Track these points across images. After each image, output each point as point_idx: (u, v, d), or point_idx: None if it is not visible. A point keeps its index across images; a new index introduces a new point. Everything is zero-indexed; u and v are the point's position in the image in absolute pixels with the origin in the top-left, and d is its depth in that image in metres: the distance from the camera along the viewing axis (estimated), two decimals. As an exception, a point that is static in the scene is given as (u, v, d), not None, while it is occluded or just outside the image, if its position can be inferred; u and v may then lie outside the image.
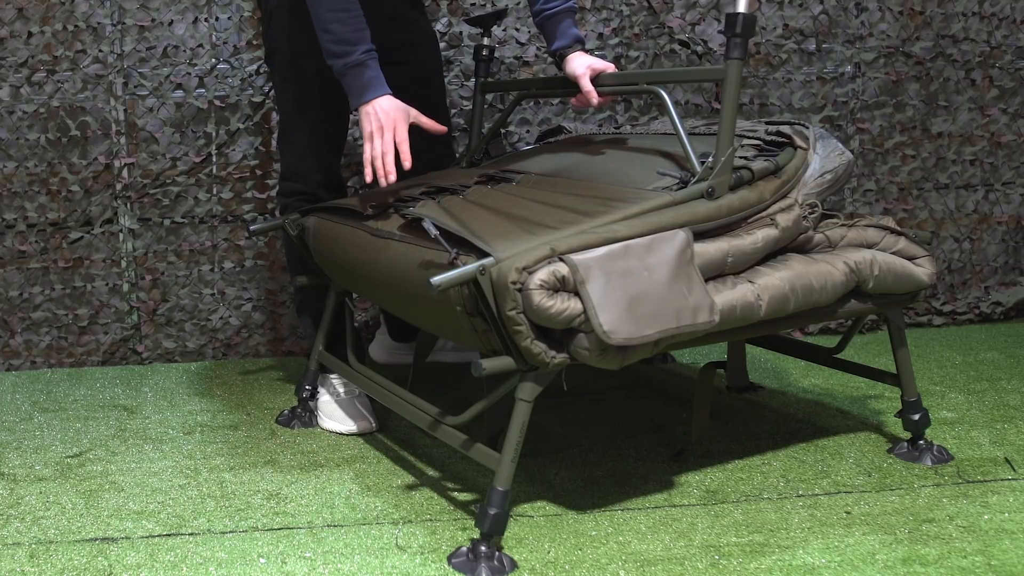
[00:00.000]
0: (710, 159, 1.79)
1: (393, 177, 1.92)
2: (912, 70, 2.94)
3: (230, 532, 1.77)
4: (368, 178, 1.95)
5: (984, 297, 3.09)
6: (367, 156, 1.95)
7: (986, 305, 3.09)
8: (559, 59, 2.13)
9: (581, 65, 2.06)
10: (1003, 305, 3.09)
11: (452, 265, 1.60)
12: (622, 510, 1.84)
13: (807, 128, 1.96)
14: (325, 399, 2.31)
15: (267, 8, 2.22)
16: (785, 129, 1.95)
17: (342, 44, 1.95)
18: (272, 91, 2.71)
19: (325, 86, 2.18)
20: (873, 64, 2.91)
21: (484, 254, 1.60)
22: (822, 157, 1.90)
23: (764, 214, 1.81)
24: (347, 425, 2.25)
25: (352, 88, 1.97)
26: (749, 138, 1.97)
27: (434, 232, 1.65)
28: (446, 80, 2.78)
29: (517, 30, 2.80)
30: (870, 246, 1.93)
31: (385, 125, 1.94)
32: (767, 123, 2.08)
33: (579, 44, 2.11)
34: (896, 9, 2.90)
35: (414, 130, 2.13)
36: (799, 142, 1.91)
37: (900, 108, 2.95)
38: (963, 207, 3.05)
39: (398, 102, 1.97)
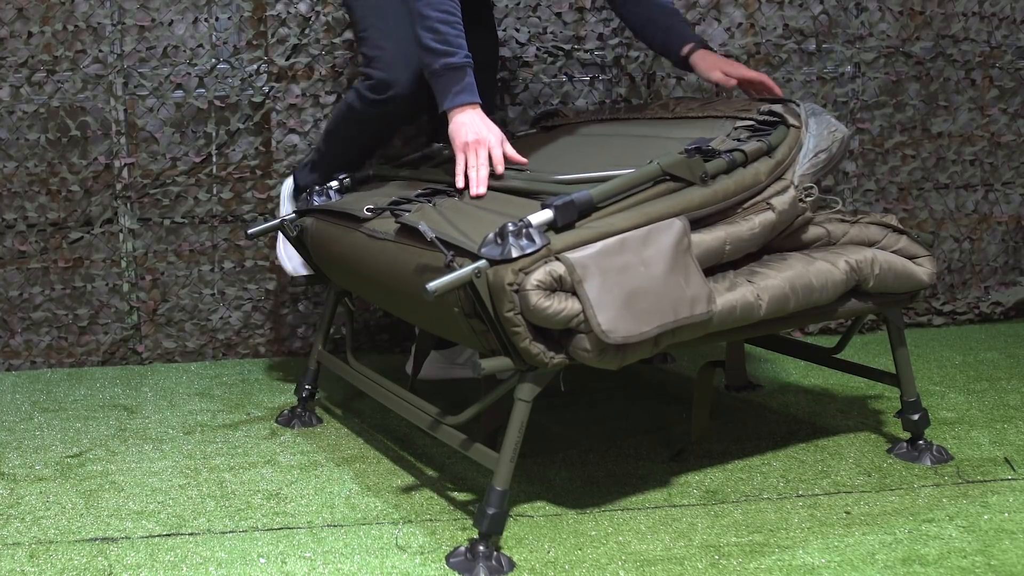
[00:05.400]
0: (712, 142, 1.81)
1: (484, 191, 1.87)
2: (912, 70, 2.94)
3: (230, 532, 1.78)
4: (460, 185, 1.91)
5: (984, 297, 3.09)
6: (460, 167, 1.92)
7: (986, 305, 3.09)
8: (683, 60, 2.30)
9: (712, 66, 2.24)
10: (1003, 305, 3.09)
11: (448, 268, 1.60)
12: (622, 510, 1.83)
13: (798, 106, 1.94)
14: (282, 240, 2.45)
15: None
16: (777, 108, 1.93)
17: (446, 45, 1.97)
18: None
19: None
20: (873, 64, 2.91)
21: (480, 257, 1.59)
22: (815, 136, 1.87)
23: (760, 198, 1.79)
24: (299, 269, 2.39)
25: (447, 88, 1.97)
26: (743, 119, 1.95)
27: (431, 236, 1.65)
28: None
29: (517, 30, 2.79)
30: (871, 244, 1.93)
31: (481, 141, 1.92)
32: (759, 101, 2.07)
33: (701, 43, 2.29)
34: (896, 9, 2.90)
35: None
36: (791, 120, 1.89)
37: (900, 108, 2.95)
38: (963, 207, 3.05)
39: (490, 122, 1.96)
